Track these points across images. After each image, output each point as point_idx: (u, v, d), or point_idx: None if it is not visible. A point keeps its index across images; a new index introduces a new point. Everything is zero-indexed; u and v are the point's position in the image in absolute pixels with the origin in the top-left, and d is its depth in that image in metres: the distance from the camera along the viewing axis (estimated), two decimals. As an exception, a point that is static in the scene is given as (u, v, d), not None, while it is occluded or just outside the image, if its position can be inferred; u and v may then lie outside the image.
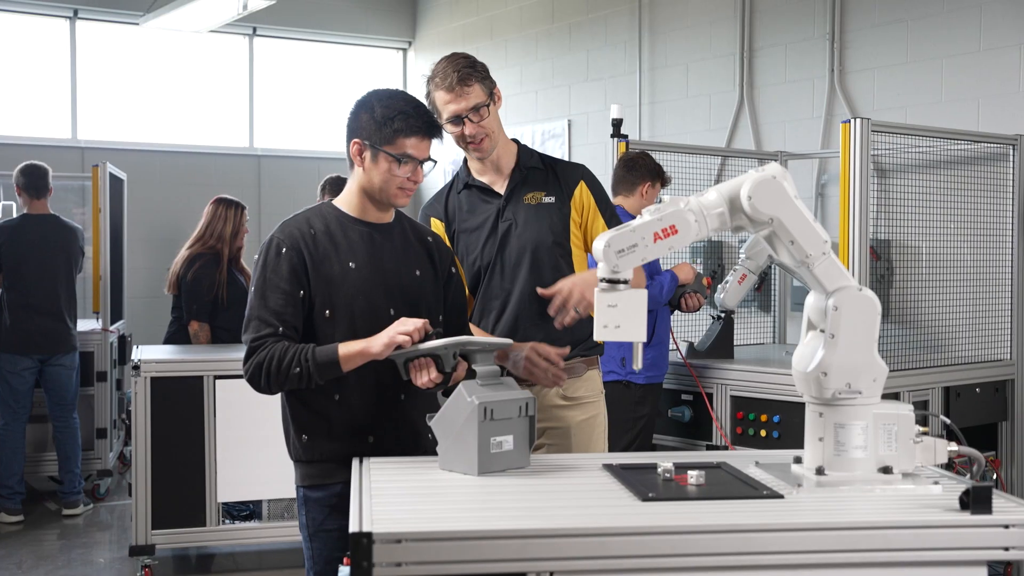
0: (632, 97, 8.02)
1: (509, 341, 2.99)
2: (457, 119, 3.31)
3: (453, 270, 3.18)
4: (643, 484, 2.51)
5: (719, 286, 5.47)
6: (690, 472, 2.55)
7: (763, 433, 4.97)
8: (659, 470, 2.60)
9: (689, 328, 5.92)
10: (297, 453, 2.98)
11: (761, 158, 6.82)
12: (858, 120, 4.68)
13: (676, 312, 5.24)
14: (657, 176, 5.13)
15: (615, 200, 5.18)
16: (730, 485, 2.55)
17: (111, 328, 7.34)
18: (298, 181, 9.61)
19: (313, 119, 10.08)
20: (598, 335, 2.59)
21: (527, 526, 2.19)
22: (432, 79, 3.35)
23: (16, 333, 6.57)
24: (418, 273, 3.06)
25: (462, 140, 3.37)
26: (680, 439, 5.36)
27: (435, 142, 3.02)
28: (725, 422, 5.12)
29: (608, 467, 2.72)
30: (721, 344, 5.42)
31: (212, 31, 9.44)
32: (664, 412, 5.31)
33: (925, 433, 2.60)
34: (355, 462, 2.79)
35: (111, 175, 7.71)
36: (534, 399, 2.77)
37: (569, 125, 8.58)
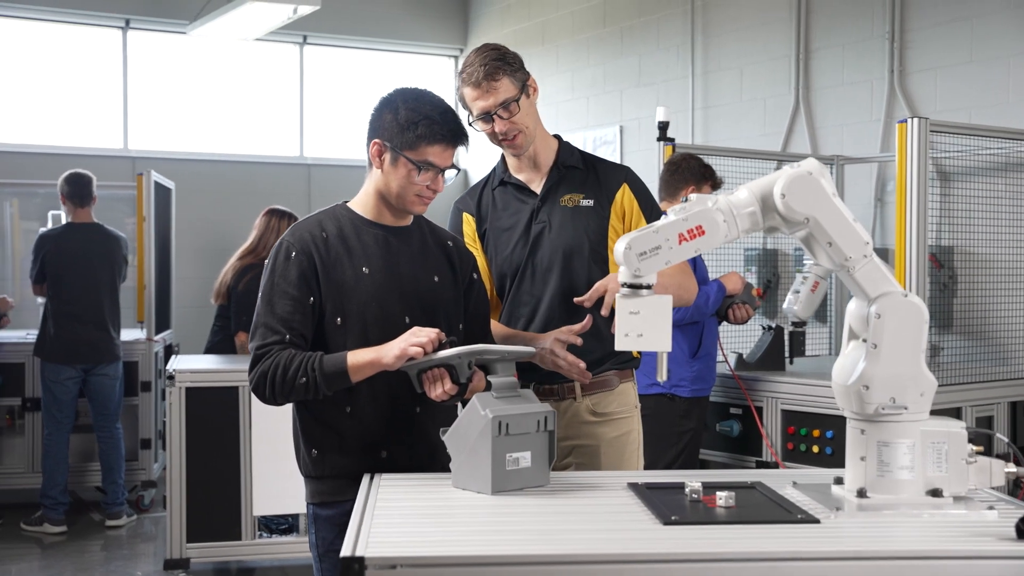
0: (684, 102, 7.82)
1: (531, 350, 2.82)
2: (487, 116, 3.13)
3: (475, 276, 3.01)
4: (667, 506, 2.32)
5: (789, 296, 5.17)
6: (719, 493, 2.35)
7: (815, 449, 4.73)
8: (687, 490, 2.41)
9: (739, 339, 5.70)
10: (307, 468, 2.83)
11: (820, 162, 6.57)
12: (915, 120, 4.44)
13: (724, 323, 5.02)
14: (704, 178, 4.91)
15: (660, 206, 4.98)
16: (762, 508, 2.35)
17: (156, 338, 7.28)
18: (349, 190, 9.35)
19: (364, 128, 9.98)
20: (619, 344, 2.41)
21: (536, 551, 2.02)
22: (461, 74, 3.19)
23: (59, 342, 6.53)
24: (436, 279, 2.90)
25: (494, 137, 3.19)
26: (729, 455, 5.14)
27: (461, 149, 2.86)
28: (775, 437, 4.89)
29: (633, 486, 2.53)
30: (772, 356, 5.19)
31: (262, 40, 9.41)
32: (712, 426, 5.10)
33: (980, 452, 2.38)
34: (365, 478, 2.64)
35: (160, 184, 7.67)
36: (554, 413, 2.59)
37: (621, 131, 8.39)
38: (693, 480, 2.46)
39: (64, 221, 6.80)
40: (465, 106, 3.17)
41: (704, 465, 5.28)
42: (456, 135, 2.80)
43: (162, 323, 7.59)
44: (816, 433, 4.74)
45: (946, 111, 6.01)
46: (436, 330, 2.64)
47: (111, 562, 6.13)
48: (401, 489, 2.56)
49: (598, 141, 8.61)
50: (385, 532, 2.14)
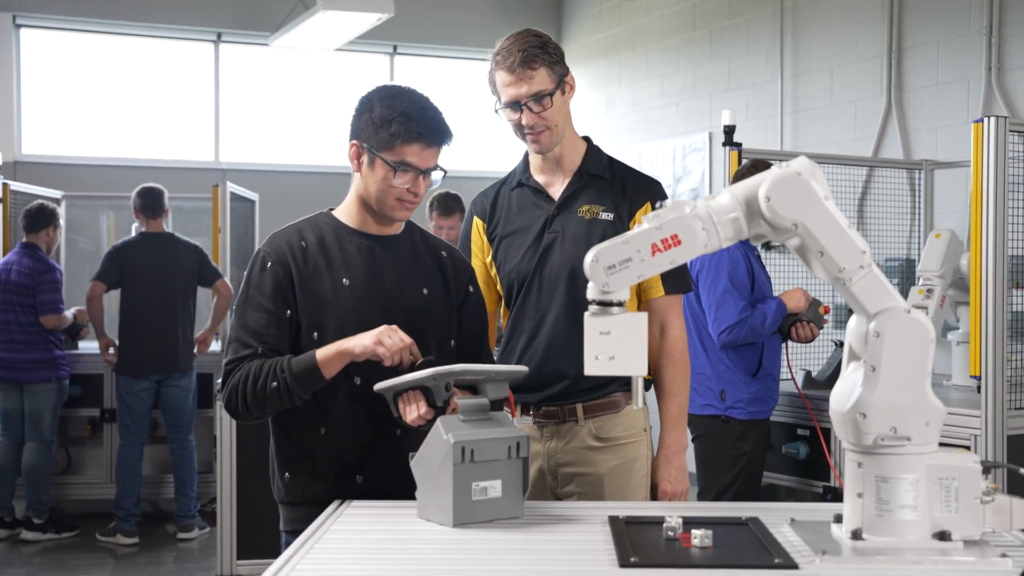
0: (773, 106, 7.48)
1: (522, 368, 2.61)
2: (516, 105, 2.91)
3: (471, 289, 2.81)
4: (636, 545, 2.09)
5: None
6: (694, 532, 2.11)
7: (885, 475, 4.39)
8: (664, 526, 2.17)
9: (811, 355, 5.37)
10: (279, 493, 2.67)
11: (908, 167, 6.19)
12: (992, 119, 4.08)
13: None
14: (767, 187, 4.61)
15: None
16: (740, 549, 2.10)
17: (234, 350, 7.24)
18: (436, 201, 9.40)
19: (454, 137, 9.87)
20: (589, 368, 2.18)
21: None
22: (496, 56, 2.94)
23: (130, 354, 6.55)
24: (426, 292, 2.71)
25: (519, 129, 2.96)
26: (795, 479, 4.83)
27: (445, 149, 2.67)
28: (843, 461, 4.56)
29: (613, 520, 2.30)
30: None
31: (352, 51, 9.40)
32: (778, 448, 4.79)
33: (997, 490, 2.09)
34: (332, 506, 2.47)
35: (240, 196, 7.68)
36: (527, 438, 2.37)
37: (710, 138, 8.08)
38: (675, 515, 2.21)
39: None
40: (495, 91, 2.96)
41: (771, 490, 4.98)
42: (435, 133, 2.61)
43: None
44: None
45: (1048, 111, 5.59)
46: (410, 340, 2.46)
47: (179, 575, 6.11)
48: (363, 518, 2.38)
49: (687, 148, 8.32)
50: (313, 569, 1.96)
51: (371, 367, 2.50)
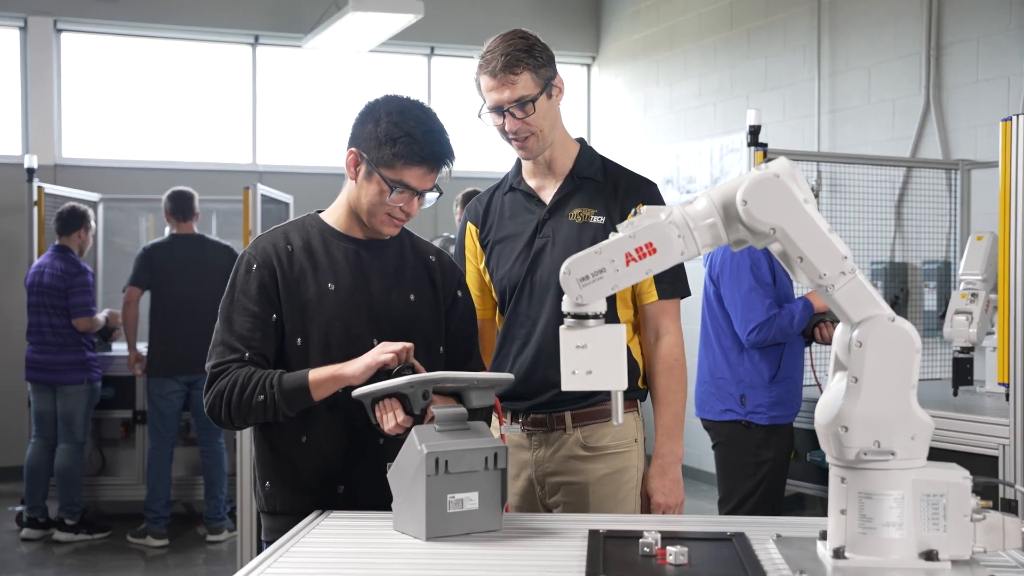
0: (810, 105, 7.34)
1: (508, 376, 2.53)
2: (499, 110, 2.83)
3: (459, 293, 2.74)
4: (608, 560, 2.01)
5: (954, 318, 4.60)
6: (669, 548, 2.03)
7: (910, 484, 4.26)
8: (640, 542, 2.10)
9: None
10: (260, 502, 2.62)
11: (944, 167, 6.04)
12: (1020, 117, 3.94)
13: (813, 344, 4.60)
14: (789, 189, 4.49)
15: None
16: (716, 567, 2.02)
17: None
18: (475, 203, 9.35)
19: (489, 138, 9.81)
20: (566, 384, 2.10)
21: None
22: (481, 58, 2.87)
23: (162, 355, 6.57)
24: (412, 298, 2.65)
25: (504, 134, 2.89)
26: (821, 487, 4.69)
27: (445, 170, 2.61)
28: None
29: (592, 534, 2.23)
30: (871, 379, 4.71)
31: (389, 52, 9.38)
32: (803, 455, 4.67)
33: (988, 507, 1.98)
34: (310, 516, 2.42)
35: (274, 198, 7.68)
36: (505, 449, 2.31)
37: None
38: (655, 528, 2.14)
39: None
40: (480, 94, 2.89)
41: (798, 499, 4.86)
42: (438, 159, 2.55)
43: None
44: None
45: (1090, 108, 5.41)
46: (409, 344, 2.41)
47: (204, 578, 6.13)
48: (339, 530, 2.33)
49: (725, 149, 8.20)
50: (269, 583, 1.91)
51: None
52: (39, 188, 7.26)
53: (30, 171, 7.24)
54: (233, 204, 8.17)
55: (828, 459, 2.06)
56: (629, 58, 9.53)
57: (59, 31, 8.82)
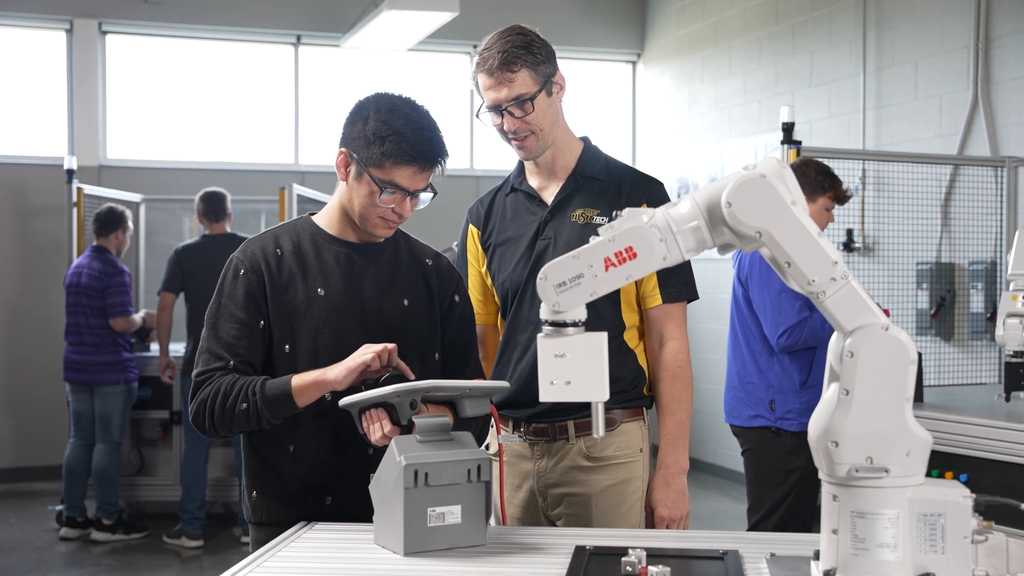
0: (856, 102, 7.16)
1: (503, 384, 2.45)
2: (497, 109, 2.74)
3: (456, 298, 2.66)
4: (586, 580, 1.92)
5: (1007, 321, 4.42)
6: (651, 569, 1.93)
7: (947, 494, 4.11)
8: (623, 560, 2.00)
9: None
10: (247, 512, 2.57)
11: (991, 164, 5.85)
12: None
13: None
14: (821, 189, 4.35)
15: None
16: (698, 589, 1.92)
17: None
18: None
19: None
20: (544, 394, 2.01)
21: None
22: (479, 55, 2.77)
23: (193, 355, 6.56)
24: (406, 303, 2.58)
25: (503, 134, 2.80)
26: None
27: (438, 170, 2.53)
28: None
29: (578, 550, 2.14)
30: (907, 384, 4.53)
31: (431, 50, 9.33)
32: (837, 463, 4.52)
33: (991, 528, 1.86)
34: (293, 528, 2.35)
35: (311, 198, 7.66)
36: (489, 460, 2.22)
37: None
38: (641, 544, 2.04)
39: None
40: (479, 94, 2.80)
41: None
42: (429, 158, 2.46)
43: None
44: (948, 476, 4.11)
45: None
46: (392, 345, 2.33)
47: (238, 579, 6.09)
48: (320, 542, 2.26)
49: (770, 147, 8.03)
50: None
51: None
52: (78, 189, 7.31)
53: (69, 172, 7.28)
54: (272, 204, 8.18)
55: (820, 475, 1.95)
56: (674, 55, 9.39)
57: (104, 33, 8.88)
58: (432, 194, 2.54)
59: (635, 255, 1.95)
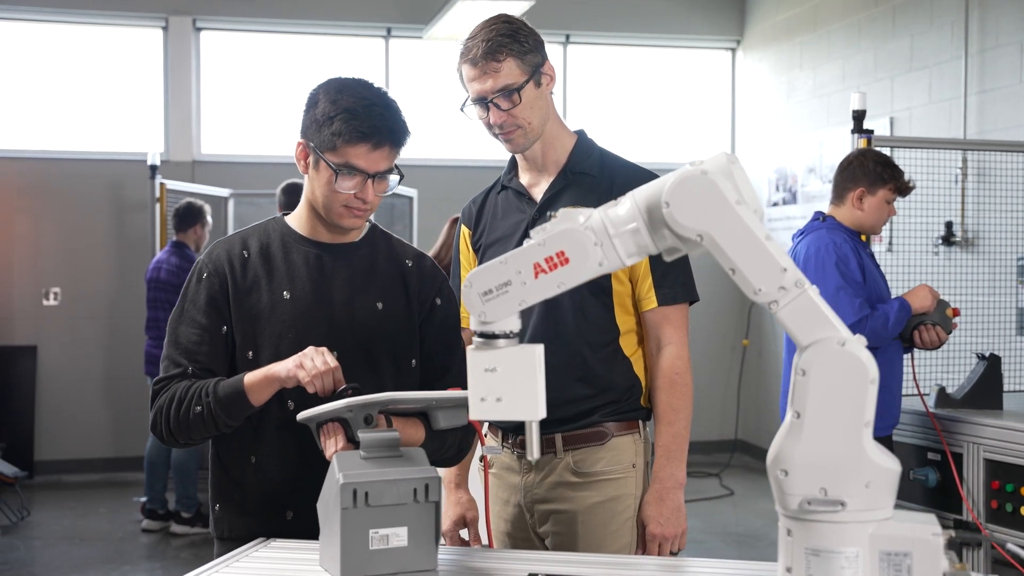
0: (956, 87, 6.75)
1: (466, 394, 2.29)
2: (483, 101, 2.58)
3: (438, 301, 2.51)
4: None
5: None
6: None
7: None
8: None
9: (949, 367, 4.75)
10: (212, 525, 2.46)
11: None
12: None
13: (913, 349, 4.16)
14: (880, 180, 4.06)
15: (827, 211, 4.19)
16: (629, 631, 1.73)
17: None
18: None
19: (633, 128, 9.47)
20: (474, 412, 1.84)
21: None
22: (463, 45, 2.62)
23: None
24: (380, 306, 2.44)
25: (490, 128, 2.64)
26: (928, 509, 4.25)
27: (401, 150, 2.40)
28: (977, 492, 3.99)
29: (529, 579, 1.97)
30: (984, 391, 4.23)
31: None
32: (906, 473, 4.23)
33: (964, 570, 1.64)
34: (247, 545, 2.24)
35: (398, 193, 7.60)
36: (438, 480, 2.06)
37: (891, 123, 7.39)
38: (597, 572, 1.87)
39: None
40: (463, 86, 2.65)
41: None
42: (383, 132, 2.32)
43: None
44: (1025, 492, 3.82)
45: None
46: (335, 364, 2.19)
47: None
48: (270, 561, 2.15)
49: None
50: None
51: (306, 392, 2.25)
52: (161, 184, 7.38)
53: (153, 168, 7.36)
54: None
55: (776, 507, 1.75)
56: (773, 41, 9.05)
57: (198, 29, 8.97)
58: (399, 176, 2.41)
59: (567, 260, 1.77)
